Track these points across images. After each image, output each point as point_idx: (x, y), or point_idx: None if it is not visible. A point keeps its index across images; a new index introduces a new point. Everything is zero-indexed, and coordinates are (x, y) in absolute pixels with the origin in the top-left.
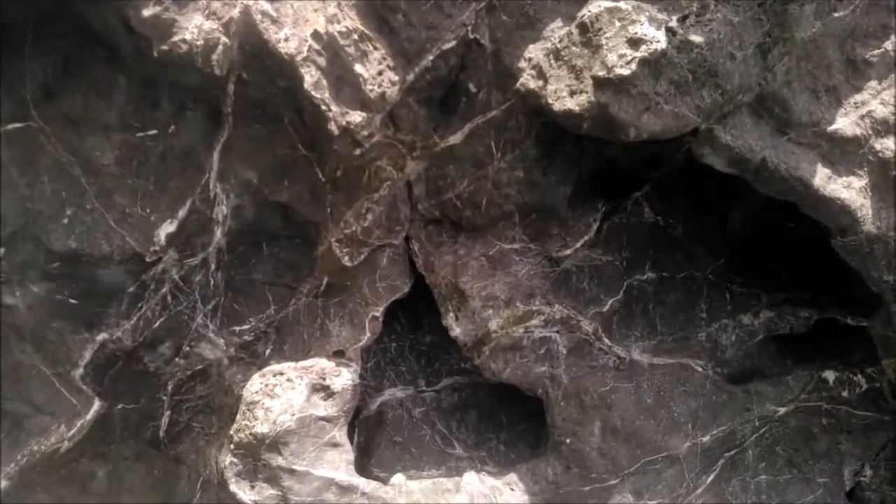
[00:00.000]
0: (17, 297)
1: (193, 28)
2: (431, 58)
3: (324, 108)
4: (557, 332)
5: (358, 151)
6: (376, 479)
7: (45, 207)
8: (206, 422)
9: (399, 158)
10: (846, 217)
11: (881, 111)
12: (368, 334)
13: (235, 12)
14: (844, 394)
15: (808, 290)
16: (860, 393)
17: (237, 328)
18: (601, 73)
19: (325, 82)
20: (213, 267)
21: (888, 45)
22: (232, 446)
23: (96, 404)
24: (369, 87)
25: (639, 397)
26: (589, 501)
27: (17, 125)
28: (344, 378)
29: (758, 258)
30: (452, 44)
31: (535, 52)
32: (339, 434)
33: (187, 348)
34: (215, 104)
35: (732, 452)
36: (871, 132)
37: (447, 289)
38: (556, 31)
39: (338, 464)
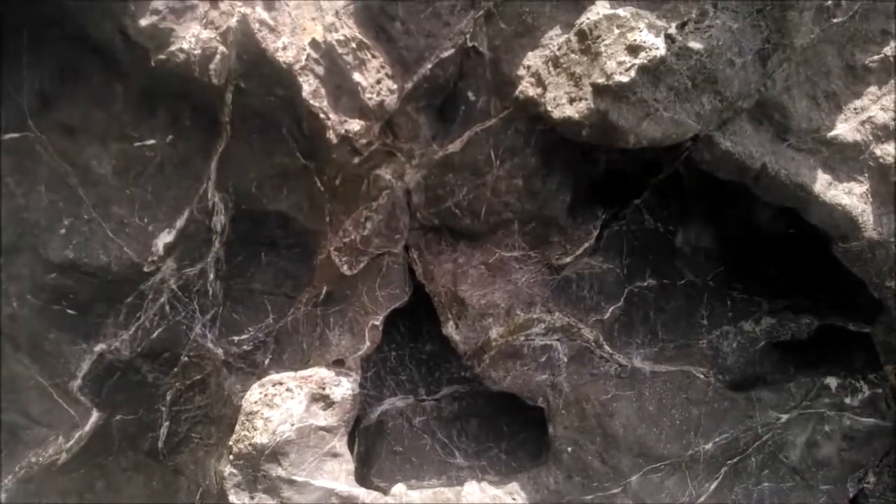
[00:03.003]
0: (14, 308)
1: (191, 37)
2: (430, 66)
3: (322, 116)
4: (558, 339)
5: (357, 160)
6: (377, 489)
7: (42, 217)
8: (205, 432)
9: (398, 167)
10: (847, 223)
11: (881, 117)
12: (368, 343)
13: (233, 21)
14: (847, 400)
15: (809, 296)
16: (862, 399)
17: (236, 338)
18: (600, 81)
19: (323, 91)
20: (211, 276)
21: (887, 50)
22: (231, 457)
23: (94, 415)
24: (368, 95)
25: (640, 405)
26: None
27: (14, 135)
28: (343, 387)
29: (758, 265)
30: (451, 52)
31: (533, 59)
32: (339, 444)
33: (186, 358)
34: (213, 113)
35: (735, 460)
36: (871, 138)
37: (447, 297)
38: (555, 38)
39: (338, 474)
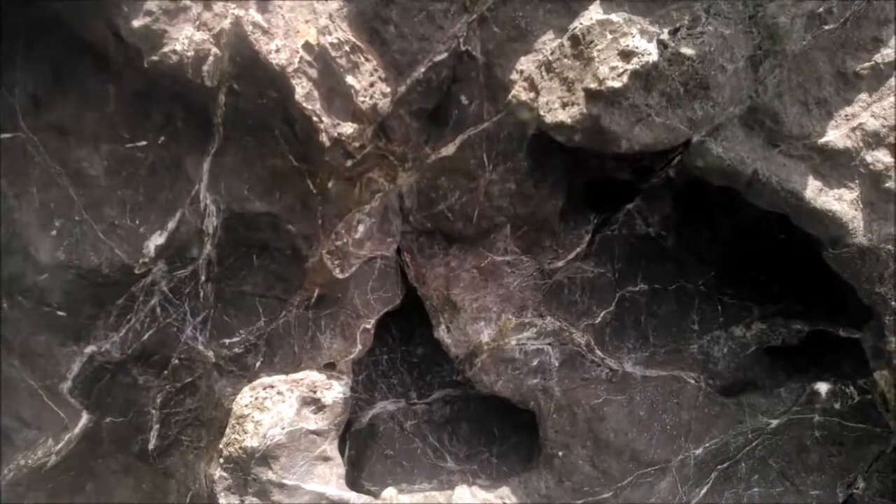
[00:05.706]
0: (4, 310)
1: (184, 39)
2: (423, 69)
3: (315, 119)
4: (549, 344)
5: (349, 163)
6: (367, 492)
7: (34, 218)
8: (195, 435)
9: (391, 170)
10: (837, 229)
11: (872, 123)
12: (360, 346)
13: (227, 23)
14: (837, 406)
15: (799, 301)
16: (852, 405)
17: (227, 340)
18: (593, 86)
19: (316, 94)
20: (202, 279)
21: (878, 57)
22: (221, 460)
23: (84, 418)
24: (361, 98)
25: (631, 410)
26: None
27: (6, 136)
28: (335, 391)
29: (749, 270)
30: (444, 56)
31: (526, 64)
32: (330, 447)
33: (176, 361)
34: (206, 115)
35: (725, 465)
36: (861, 144)
37: (439, 301)
38: (548, 43)
39: (328, 478)
